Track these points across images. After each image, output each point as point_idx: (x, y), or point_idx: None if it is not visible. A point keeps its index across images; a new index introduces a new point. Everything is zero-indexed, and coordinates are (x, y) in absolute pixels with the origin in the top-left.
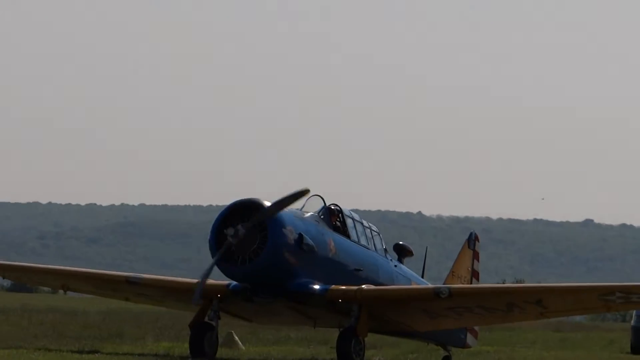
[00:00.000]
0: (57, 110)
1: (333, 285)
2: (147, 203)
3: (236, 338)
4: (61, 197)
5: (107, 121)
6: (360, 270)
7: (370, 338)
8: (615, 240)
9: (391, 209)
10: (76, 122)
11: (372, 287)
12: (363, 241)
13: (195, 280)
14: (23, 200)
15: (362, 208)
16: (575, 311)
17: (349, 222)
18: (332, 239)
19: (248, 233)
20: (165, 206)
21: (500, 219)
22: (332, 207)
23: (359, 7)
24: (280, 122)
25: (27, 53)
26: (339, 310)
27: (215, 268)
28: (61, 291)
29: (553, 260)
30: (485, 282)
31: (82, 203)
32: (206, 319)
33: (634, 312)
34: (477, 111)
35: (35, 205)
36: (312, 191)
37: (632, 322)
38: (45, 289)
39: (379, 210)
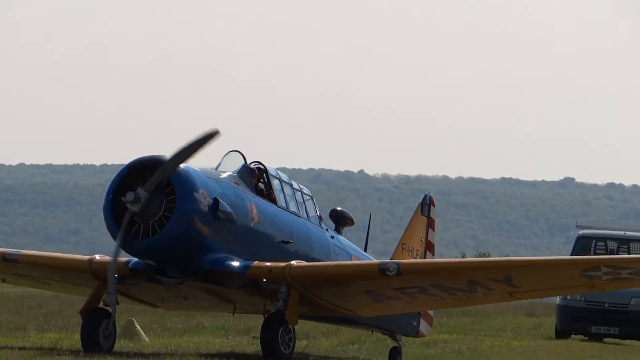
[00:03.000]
0: None
1: (256, 262)
2: (27, 162)
3: (138, 327)
4: None
5: None
6: (289, 242)
7: (302, 326)
8: (601, 203)
9: (326, 167)
10: None
11: (303, 263)
12: (292, 207)
13: (88, 257)
14: None
15: (290, 166)
16: (552, 290)
17: (275, 183)
18: (255, 204)
19: (151, 196)
20: (49, 166)
21: (460, 178)
22: (254, 166)
23: None
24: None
25: None
26: (264, 292)
27: (112, 241)
28: None
29: (525, 229)
30: (443, 257)
31: None
32: (101, 305)
33: None
34: (435, 45)
35: None
36: (229, 147)
37: (557, 300)
38: None
39: (312, 169)
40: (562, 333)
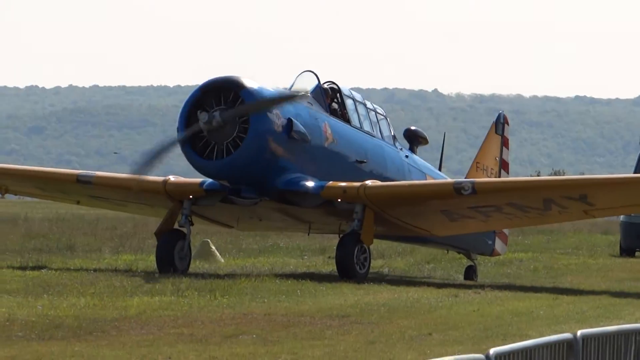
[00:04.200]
0: None
1: (330, 182)
2: (101, 84)
3: (213, 248)
4: None
5: None
6: (363, 162)
7: (377, 245)
8: None
9: (400, 87)
10: None
11: (378, 182)
12: (366, 126)
13: (163, 178)
14: None
15: (364, 86)
16: (626, 208)
17: (348, 103)
18: (329, 124)
19: (225, 123)
20: (122, 87)
21: (534, 97)
22: (328, 86)
23: None
24: None
25: None
26: (338, 212)
27: (186, 162)
28: None
29: (599, 147)
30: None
31: (21, 85)
32: (176, 226)
33: None
34: None
35: None
36: (303, 67)
37: (621, 217)
38: None
39: (386, 89)
40: (626, 251)
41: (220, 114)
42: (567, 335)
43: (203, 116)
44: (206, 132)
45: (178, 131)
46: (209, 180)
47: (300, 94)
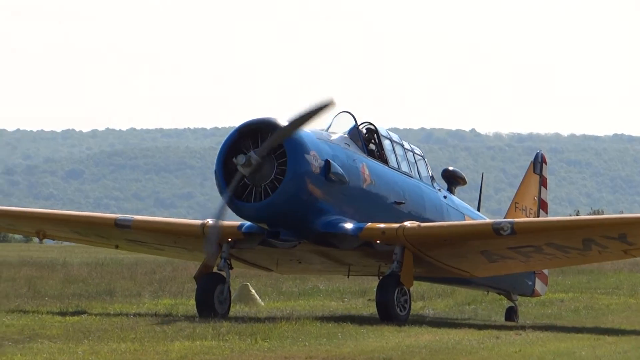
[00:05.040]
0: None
1: (369, 223)
2: (138, 127)
3: (253, 292)
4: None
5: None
6: (402, 203)
7: (417, 287)
8: None
9: (437, 127)
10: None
11: (416, 224)
12: (404, 167)
13: (201, 222)
14: None
15: (401, 126)
16: None
17: (386, 144)
18: (366, 165)
19: (263, 160)
20: (160, 130)
21: (573, 136)
22: (365, 127)
23: None
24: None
25: None
26: (378, 254)
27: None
28: (36, 239)
29: (638, 185)
30: (556, 215)
31: (58, 129)
32: (215, 269)
33: None
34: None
35: (0, 132)
36: (340, 107)
37: None
38: (16, 236)
39: (423, 129)
40: None
41: (256, 152)
42: None
43: (240, 159)
44: (248, 174)
45: (216, 174)
46: (248, 223)
47: (326, 104)
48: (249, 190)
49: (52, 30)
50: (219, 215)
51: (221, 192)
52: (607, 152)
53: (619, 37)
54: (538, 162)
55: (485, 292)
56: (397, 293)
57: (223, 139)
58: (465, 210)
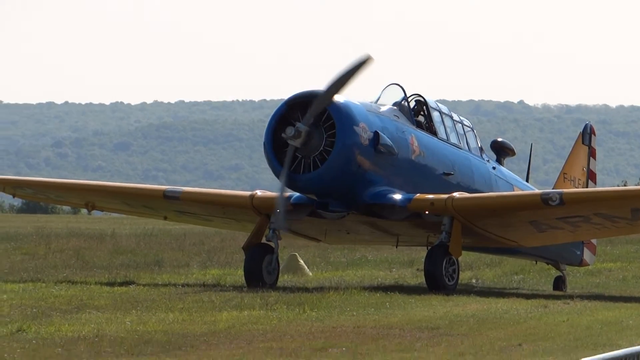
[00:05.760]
0: None
1: (418, 194)
2: (187, 100)
3: (301, 262)
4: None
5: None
6: (450, 174)
7: (465, 257)
8: None
9: (486, 99)
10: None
11: (465, 194)
12: (453, 139)
13: (249, 193)
14: (33, 100)
15: (450, 98)
16: None
17: (435, 115)
18: (415, 137)
19: (310, 129)
20: (208, 103)
21: (621, 107)
22: (414, 99)
23: None
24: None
25: None
26: (426, 225)
27: (272, 177)
28: (84, 210)
29: None
30: (604, 185)
31: (107, 102)
32: (263, 240)
33: None
34: None
35: (49, 105)
36: (389, 80)
37: None
38: (65, 208)
39: (472, 100)
40: None
41: (303, 122)
42: None
43: (289, 130)
44: (300, 145)
45: (265, 146)
46: (297, 194)
47: (363, 61)
48: (297, 162)
49: (101, 3)
50: (283, 189)
51: (270, 164)
52: None
53: None
54: (587, 134)
55: (534, 262)
56: (446, 263)
57: (271, 112)
58: (513, 181)
